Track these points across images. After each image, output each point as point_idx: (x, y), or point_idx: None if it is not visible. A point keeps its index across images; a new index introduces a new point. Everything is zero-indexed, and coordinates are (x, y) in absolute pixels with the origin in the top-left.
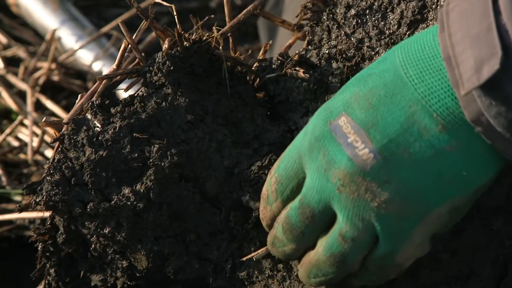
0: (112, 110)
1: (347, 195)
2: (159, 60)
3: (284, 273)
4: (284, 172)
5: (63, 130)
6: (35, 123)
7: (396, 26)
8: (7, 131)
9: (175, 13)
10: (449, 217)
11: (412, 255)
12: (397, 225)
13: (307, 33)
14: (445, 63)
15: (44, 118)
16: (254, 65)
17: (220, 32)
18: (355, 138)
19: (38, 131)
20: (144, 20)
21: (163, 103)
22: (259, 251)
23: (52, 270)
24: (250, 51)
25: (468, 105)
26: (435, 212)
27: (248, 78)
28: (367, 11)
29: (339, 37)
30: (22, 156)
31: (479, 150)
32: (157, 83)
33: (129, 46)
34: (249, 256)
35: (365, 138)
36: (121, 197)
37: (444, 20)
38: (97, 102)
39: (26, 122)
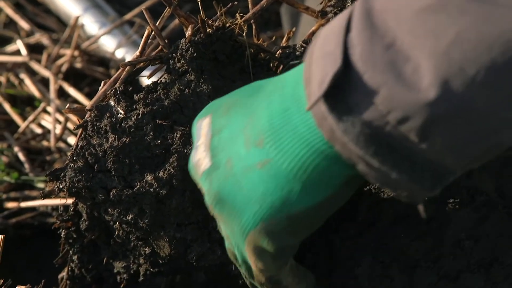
0: (135, 97)
1: None
2: (182, 47)
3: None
4: None
5: (86, 117)
6: (58, 110)
7: None
8: (30, 118)
9: (198, 0)
10: (268, 242)
11: (263, 268)
12: (231, 238)
13: (331, 19)
14: (304, 82)
15: (67, 105)
16: (278, 52)
17: (243, 19)
18: (202, 142)
19: (61, 118)
20: (167, 7)
21: (186, 90)
22: None
23: (75, 257)
24: (274, 38)
25: (321, 123)
26: (252, 232)
27: (271, 65)
28: None
29: None
30: (45, 143)
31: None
32: (180, 69)
33: (153, 33)
34: None
35: (208, 143)
36: (144, 184)
37: (313, 41)
38: (120, 88)
39: (49, 109)
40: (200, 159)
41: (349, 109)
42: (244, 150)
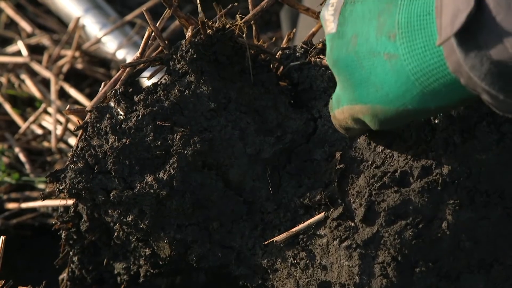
0: (135, 98)
1: None
2: (183, 48)
3: (307, 261)
4: None
5: (86, 118)
6: (59, 111)
7: None
8: (31, 119)
9: (198, 1)
10: (370, 120)
11: (344, 120)
12: (338, 92)
13: None
14: (436, 12)
15: (68, 106)
16: (278, 53)
17: (243, 20)
18: (333, 2)
19: (62, 119)
20: (167, 8)
21: (186, 91)
22: (281, 235)
23: (75, 258)
24: (273, 39)
25: (449, 55)
26: (357, 105)
27: (271, 66)
28: None
29: None
30: (45, 144)
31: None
32: (180, 71)
33: (153, 34)
34: (271, 240)
35: (338, 8)
36: (144, 185)
37: None
38: (120, 90)
39: (50, 110)
40: (328, 20)
41: (478, 47)
42: (374, 35)
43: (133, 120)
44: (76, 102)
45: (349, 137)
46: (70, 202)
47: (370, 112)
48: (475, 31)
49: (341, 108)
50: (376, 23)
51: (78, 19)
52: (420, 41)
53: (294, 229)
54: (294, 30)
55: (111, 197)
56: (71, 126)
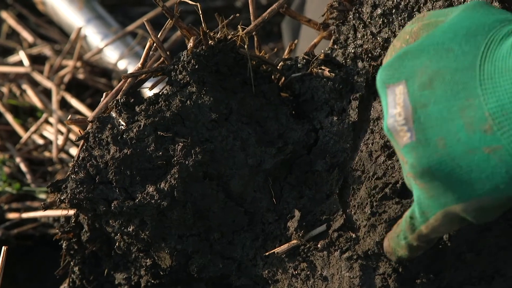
0: (137, 109)
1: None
2: (184, 59)
3: (308, 272)
4: None
5: (88, 128)
6: (60, 121)
7: None
8: (32, 129)
9: (200, 12)
10: (474, 215)
11: (435, 230)
12: (425, 202)
13: (333, 32)
14: None
15: (69, 116)
16: (279, 64)
17: (245, 31)
18: (399, 112)
19: (63, 129)
20: (169, 19)
21: (188, 102)
22: (282, 246)
23: (76, 268)
24: (275, 50)
25: None
26: (459, 205)
27: (273, 77)
28: (394, 10)
29: (365, 36)
30: (47, 154)
31: None
32: (181, 81)
33: (154, 44)
34: (272, 250)
35: (409, 115)
36: (145, 196)
37: None
38: (122, 100)
39: (51, 120)
40: (401, 131)
41: None
42: (465, 133)
43: (135, 130)
44: (78, 112)
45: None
46: (71, 212)
47: (476, 207)
48: None
49: (433, 217)
50: (461, 121)
51: (79, 29)
52: None
53: (295, 240)
54: (295, 41)
55: (112, 208)
56: (72, 136)
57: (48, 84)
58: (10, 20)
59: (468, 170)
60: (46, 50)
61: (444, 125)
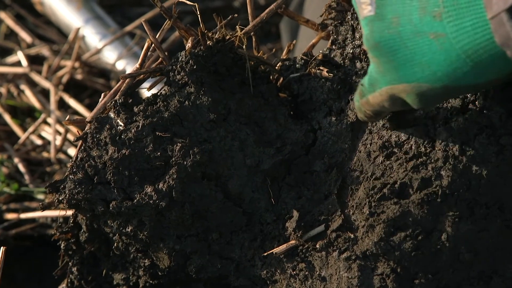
0: (135, 109)
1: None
2: (182, 59)
3: (306, 273)
4: None
5: (86, 128)
6: (58, 121)
7: None
8: (30, 129)
9: (198, 12)
10: (414, 99)
11: (379, 103)
12: (374, 76)
13: (331, 32)
14: None
15: (67, 117)
16: (278, 65)
17: (243, 31)
18: None
19: (61, 130)
20: (167, 19)
21: (186, 102)
22: (280, 246)
23: (74, 269)
24: (273, 50)
25: (497, 28)
26: (401, 85)
27: (271, 77)
28: None
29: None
30: (45, 154)
31: (465, 52)
32: (180, 82)
33: (153, 45)
34: (271, 251)
35: None
36: (143, 196)
37: None
38: (120, 100)
39: (49, 120)
40: (364, 2)
41: None
42: (417, 15)
43: (133, 131)
44: (76, 112)
45: (371, 122)
46: (70, 212)
47: (415, 91)
48: None
49: (379, 91)
50: (417, 3)
51: (78, 29)
52: (468, 19)
53: (293, 241)
54: (294, 42)
55: (111, 208)
56: (70, 137)
57: (46, 84)
58: (8, 21)
59: (412, 52)
60: (44, 51)
61: (401, 4)
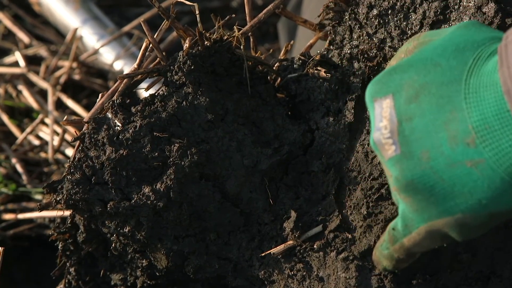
0: (133, 109)
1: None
2: (180, 60)
3: (304, 273)
4: None
5: (83, 129)
6: (56, 121)
7: (418, 26)
8: (28, 129)
9: (197, 12)
10: (458, 231)
11: (417, 244)
12: (409, 216)
13: (329, 33)
14: (506, 96)
15: (65, 117)
16: (276, 65)
17: (241, 32)
18: (385, 125)
19: (59, 130)
20: (165, 20)
21: (184, 102)
22: (278, 247)
23: (72, 269)
24: (271, 51)
25: None
26: (442, 220)
27: (269, 77)
28: (389, 11)
29: (361, 37)
30: (42, 154)
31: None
32: (177, 82)
33: (150, 45)
34: (269, 251)
35: (394, 128)
36: (141, 196)
37: (503, 54)
38: (118, 101)
39: (47, 120)
40: (386, 144)
41: None
42: (448, 147)
43: (131, 131)
44: (74, 113)
45: (404, 266)
46: (67, 213)
47: (459, 223)
48: None
49: (416, 231)
50: (445, 134)
51: (75, 30)
52: (506, 140)
53: (291, 241)
54: (292, 42)
55: (108, 208)
56: (68, 137)
57: (44, 85)
58: (6, 21)
59: (451, 184)
60: (42, 51)
61: (428, 138)
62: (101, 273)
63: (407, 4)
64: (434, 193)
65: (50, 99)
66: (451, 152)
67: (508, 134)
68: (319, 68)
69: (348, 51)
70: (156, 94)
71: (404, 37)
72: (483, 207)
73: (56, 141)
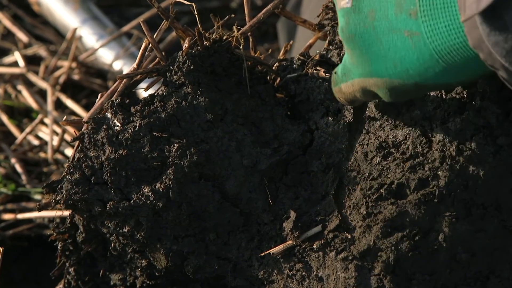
0: (132, 109)
1: None
2: (180, 60)
3: (303, 273)
4: None
5: (83, 129)
6: (56, 121)
7: None
8: (28, 129)
9: (196, 13)
10: (385, 93)
11: (351, 93)
12: (347, 66)
13: (328, 33)
14: None
15: (65, 117)
16: (275, 65)
17: (240, 32)
18: None
19: (58, 130)
20: (165, 20)
21: (183, 102)
22: (278, 247)
23: (71, 269)
24: (270, 51)
25: (470, 31)
26: (372, 79)
27: (268, 77)
28: None
29: None
30: (42, 154)
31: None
32: (177, 82)
33: (150, 45)
34: (268, 251)
35: None
36: (140, 196)
37: None
38: (117, 101)
39: (47, 120)
40: None
41: (504, 26)
42: (393, 12)
43: (130, 131)
44: (73, 113)
45: (350, 105)
46: (67, 213)
47: (386, 86)
48: (501, 10)
49: (351, 81)
50: (394, 0)
51: (75, 30)
52: (443, 20)
53: (290, 241)
54: (291, 42)
55: (108, 208)
56: (67, 137)
57: (43, 84)
58: (5, 21)
59: (386, 48)
60: (42, 51)
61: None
62: (101, 273)
63: None
64: (370, 52)
65: (50, 99)
66: (394, 18)
67: (447, 15)
68: (318, 68)
69: None
70: (155, 94)
71: None
72: (409, 76)
73: (55, 141)
